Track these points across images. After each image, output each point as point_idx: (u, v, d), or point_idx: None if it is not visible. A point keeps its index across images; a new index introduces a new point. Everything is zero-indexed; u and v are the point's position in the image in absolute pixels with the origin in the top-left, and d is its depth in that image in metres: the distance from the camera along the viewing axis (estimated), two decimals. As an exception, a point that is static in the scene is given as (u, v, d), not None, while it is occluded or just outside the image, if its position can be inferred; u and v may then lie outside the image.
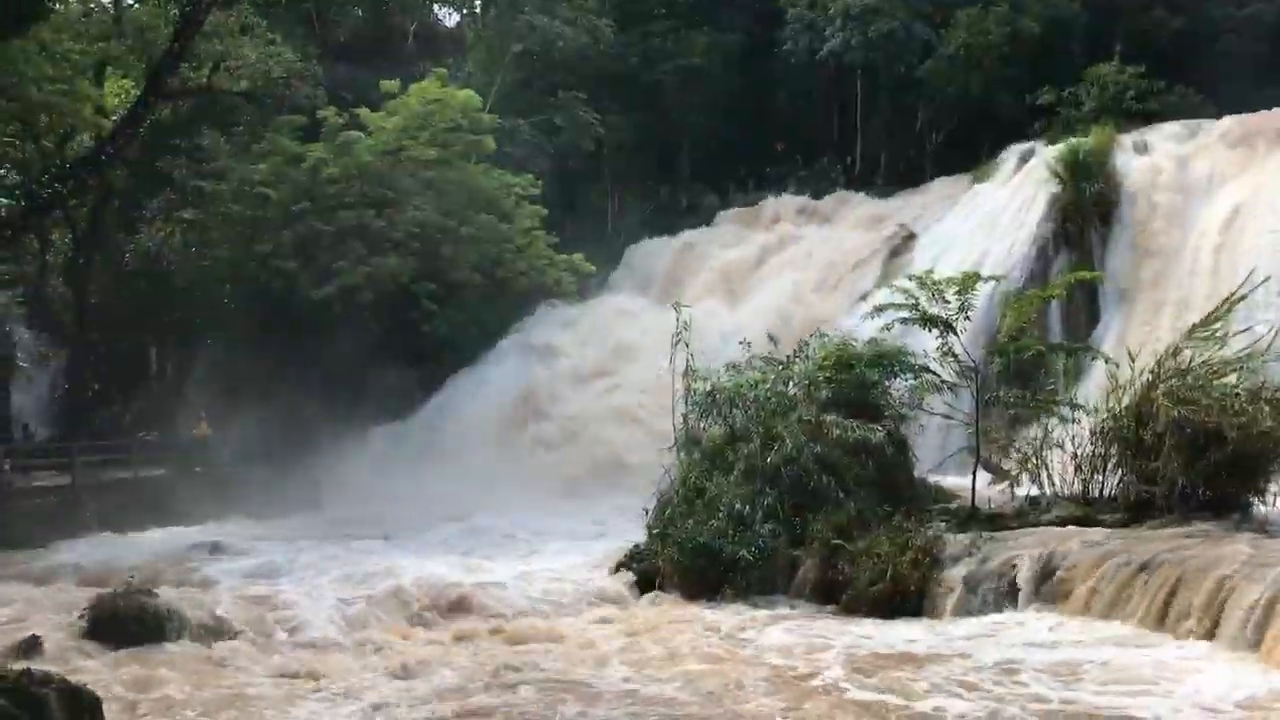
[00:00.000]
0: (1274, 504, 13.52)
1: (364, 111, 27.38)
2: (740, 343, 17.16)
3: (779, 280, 29.06)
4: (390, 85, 27.85)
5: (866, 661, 10.43)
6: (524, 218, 28.56)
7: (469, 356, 27.53)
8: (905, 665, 10.26)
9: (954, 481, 15.85)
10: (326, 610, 13.16)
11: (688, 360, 16.46)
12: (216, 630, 12.17)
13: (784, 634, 11.75)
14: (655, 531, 14.74)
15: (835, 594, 13.16)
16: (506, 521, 20.12)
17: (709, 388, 16.02)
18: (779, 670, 10.29)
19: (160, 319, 30.06)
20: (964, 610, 12.28)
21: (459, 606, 13.34)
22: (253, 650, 11.64)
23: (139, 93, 23.99)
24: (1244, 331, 15.23)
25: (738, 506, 14.12)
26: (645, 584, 14.25)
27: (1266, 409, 13.11)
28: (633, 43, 37.79)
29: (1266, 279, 17.58)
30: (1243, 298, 15.37)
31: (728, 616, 12.51)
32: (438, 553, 17.09)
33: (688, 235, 33.41)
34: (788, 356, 16.35)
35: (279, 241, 26.56)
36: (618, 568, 14.94)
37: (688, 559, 13.79)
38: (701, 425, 16.09)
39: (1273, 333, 15.12)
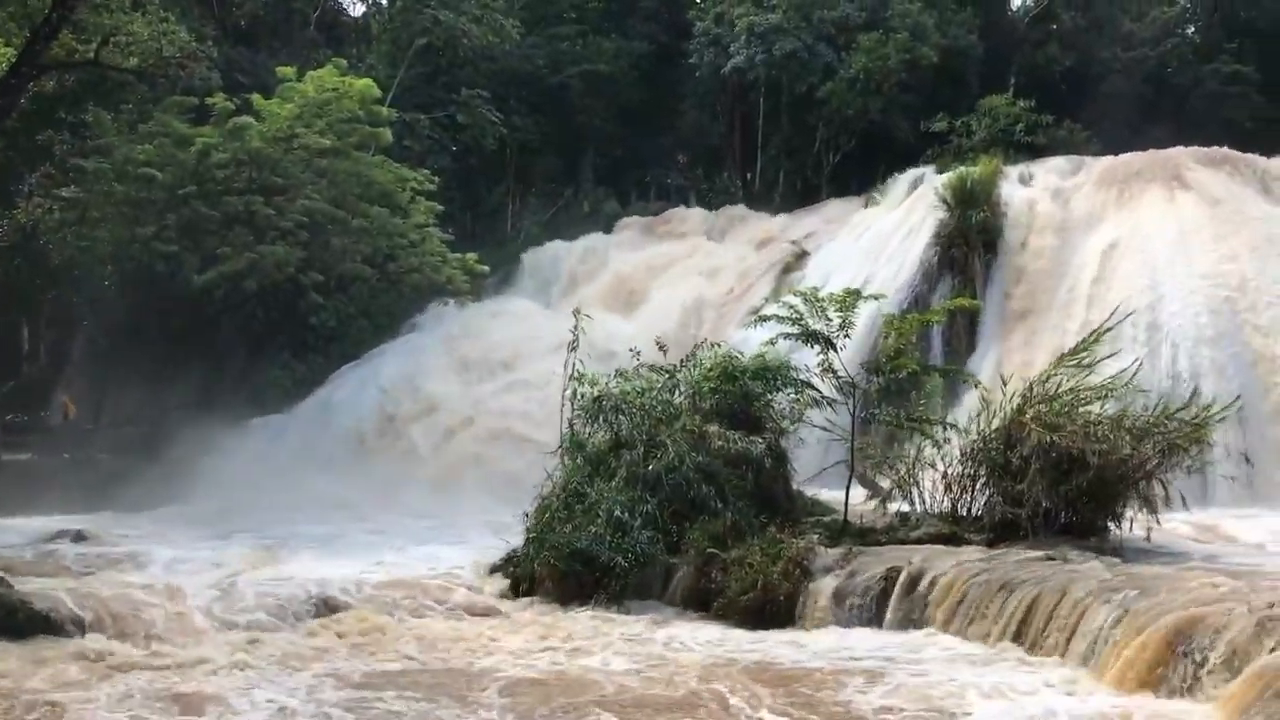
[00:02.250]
0: (1129, 529, 14.05)
1: (257, 97, 26.79)
2: (631, 351, 17.22)
3: (674, 290, 29.30)
4: (287, 71, 27.33)
5: (717, 669, 10.51)
6: (419, 213, 28.27)
7: (356, 351, 27.15)
8: (756, 673, 10.37)
9: (831, 495, 16.11)
10: (193, 606, 12.86)
11: (576, 365, 16.49)
12: (73, 622, 11.76)
13: (647, 638, 11.83)
14: (533, 535, 14.69)
15: (708, 602, 13.32)
16: (384, 521, 19.88)
17: (596, 394, 16.06)
18: (627, 672, 10.38)
19: (35, 298, 28.97)
20: (831, 621, 12.50)
21: (328, 605, 13.12)
22: (111, 644, 11.26)
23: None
24: (1111, 357, 15.80)
25: (617, 513, 14.13)
26: (520, 588, 14.22)
27: (1127, 437, 13.61)
28: (540, 44, 37.80)
29: (1133, 312, 18.32)
30: (1110, 329, 15.97)
31: (596, 621, 12.53)
32: (311, 550, 16.80)
33: (587, 240, 33.50)
34: (675, 365, 16.47)
35: (163, 225, 25.81)
36: (493, 571, 14.89)
37: (564, 563, 13.77)
38: (587, 431, 16.11)
39: (1137, 364, 15.74)
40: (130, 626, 11.93)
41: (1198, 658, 9.60)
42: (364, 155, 27.73)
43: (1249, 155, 26.59)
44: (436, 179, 29.07)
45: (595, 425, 15.90)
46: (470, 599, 13.80)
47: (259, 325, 26.09)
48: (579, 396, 16.09)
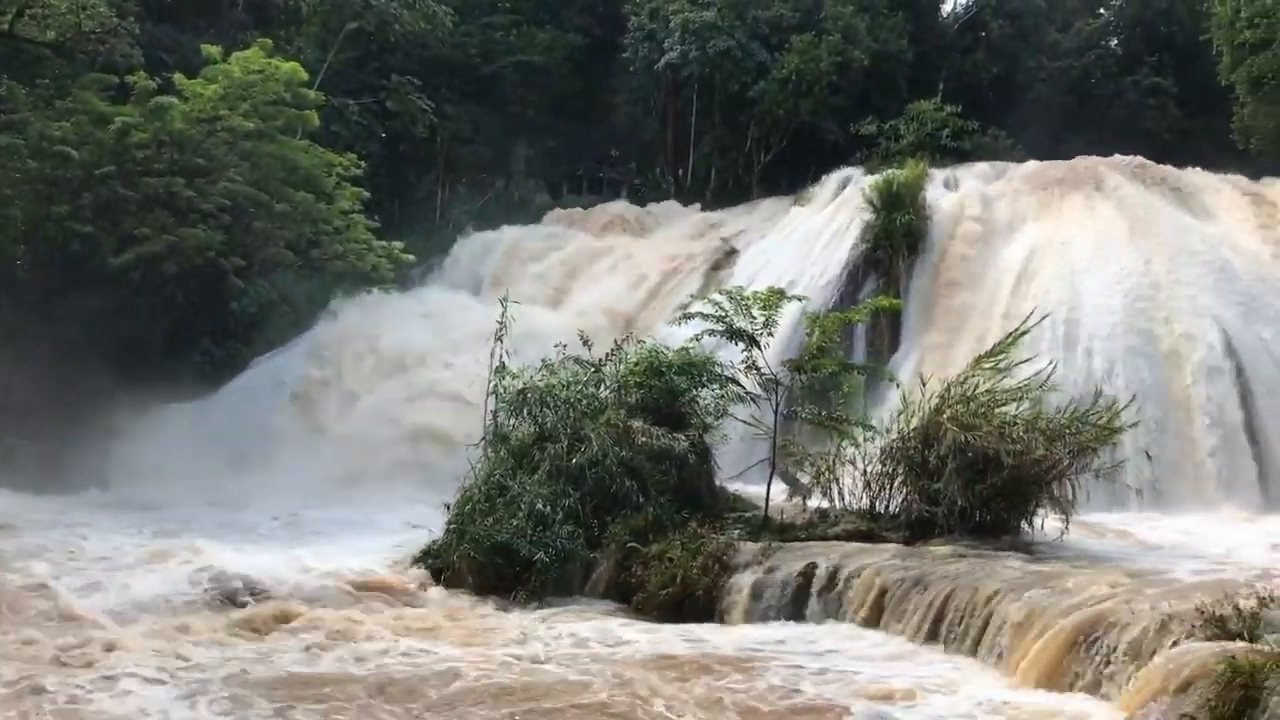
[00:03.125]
0: (1041, 528, 14.37)
1: (180, 77, 26.18)
2: (557, 345, 17.17)
3: (603, 284, 29.29)
4: (212, 51, 26.74)
5: (632, 663, 10.55)
6: (345, 199, 27.85)
7: (278, 338, 26.70)
8: (670, 667, 10.42)
9: (753, 491, 16.20)
10: (99, 595, 12.58)
11: (501, 357, 16.42)
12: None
13: (563, 632, 11.83)
14: (454, 528, 14.62)
15: (628, 596, 13.39)
16: (303, 511, 19.61)
17: (521, 386, 16.00)
18: (538, 665, 10.39)
19: (-59, 275, 27.98)
20: (749, 617, 12.62)
21: (242, 595, 12.93)
22: (8, 636, 10.95)
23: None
24: (1029, 361, 16.12)
25: (539, 506, 14.12)
26: (438, 580, 14.11)
27: (1040, 438, 13.91)
28: (473, 33, 37.50)
29: (1048, 315, 18.74)
30: (1026, 332, 16.29)
31: (513, 614, 12.51)
32: (226, 539, 16.43)
33: (517, 231, 33.29)
34: (600, 360, 16.48)
35: (78, 204, 25.11)
36: (412, 563, 14.75)
37: (484, 556, 13.72)
38: (511, 424, 16.05)
39: (1052, 366, 16.09)
40: (30, 613, 11.63)
41: (1102, 654, 9.86)
42: (289, 139, 27.25)
43: (1164, 166, 27.32)
44: (363, 165, 28.67)
45: (519, 418, 15.86)
46: (388, 591, 13.66)
47: (178, 309, 25.52)
48: (503, 389, 16.03)
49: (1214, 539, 15.77)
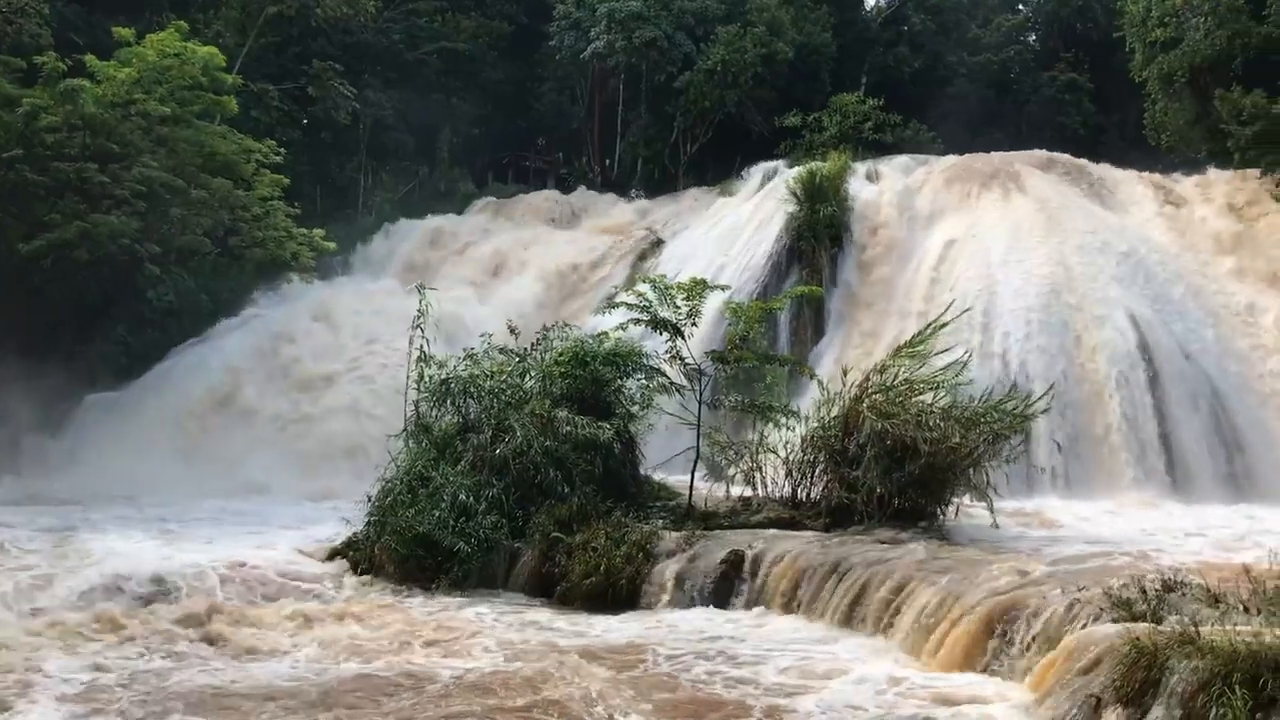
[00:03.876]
0: (956, 515, 14.67)
1: (91, 59, 25.45)
2: (481, 335, 17.08)
3: (528, 273, 29.20)
4: (125, 33, 26.02)
5: (554, 653, 10.56)
6: (264, 186, 27.34)
7: (196, 327, 26.13)
8: (592, 655, 10.45)
9: (678, 480, 16.29)
10: (4, 590, 12.23)
11: (423, 346, 16.27)
12: None
13: (486, 622, 11.80)
14: (374, 519, 14.48)
15: (551, 586, 13.37)
16: (222, 504, 19.24)
17: (444, 376, 15.89)
18: (455, 656, 10.35)
19: None
20: (672, 604, 12.69)
21: (156, 591, 12.65)
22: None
23: None
24: (946, 351, 16.43)
25: (462, 497, 14.05)
26: (359, 572, 13.97)
27: (956, 427, 14.20)
28: (397, 19, 37.08)
29: (968, 309, 19.10)
30: (945, 324, 16.59)
31: (434, 606, 12.44)
32: (140, 532, 16.12)
33: (441, 220, 33.08)
34: (525, 349, 16.43)
35: (-15, 190, 24.32)
36: (332, 555, 14.58)
37: (405, 548, 13.62)
38: (434, 414, 15.93)
39: (968, 356, 16.40)
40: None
41: (1013, 638, 10.11)
42: (207, 124, 26.67)
43: (1079, 160, 27.99)
44: (284, 151, 28.17)
45: (442, 408, 15.75)
46: (307, 583, 13.48)
47: (91, 298, 24.86)
48: (426, 379, 15.90)
49: (1123, 523, 16.27)
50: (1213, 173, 26.71)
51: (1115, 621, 9.27)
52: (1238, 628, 8.29)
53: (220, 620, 11.47)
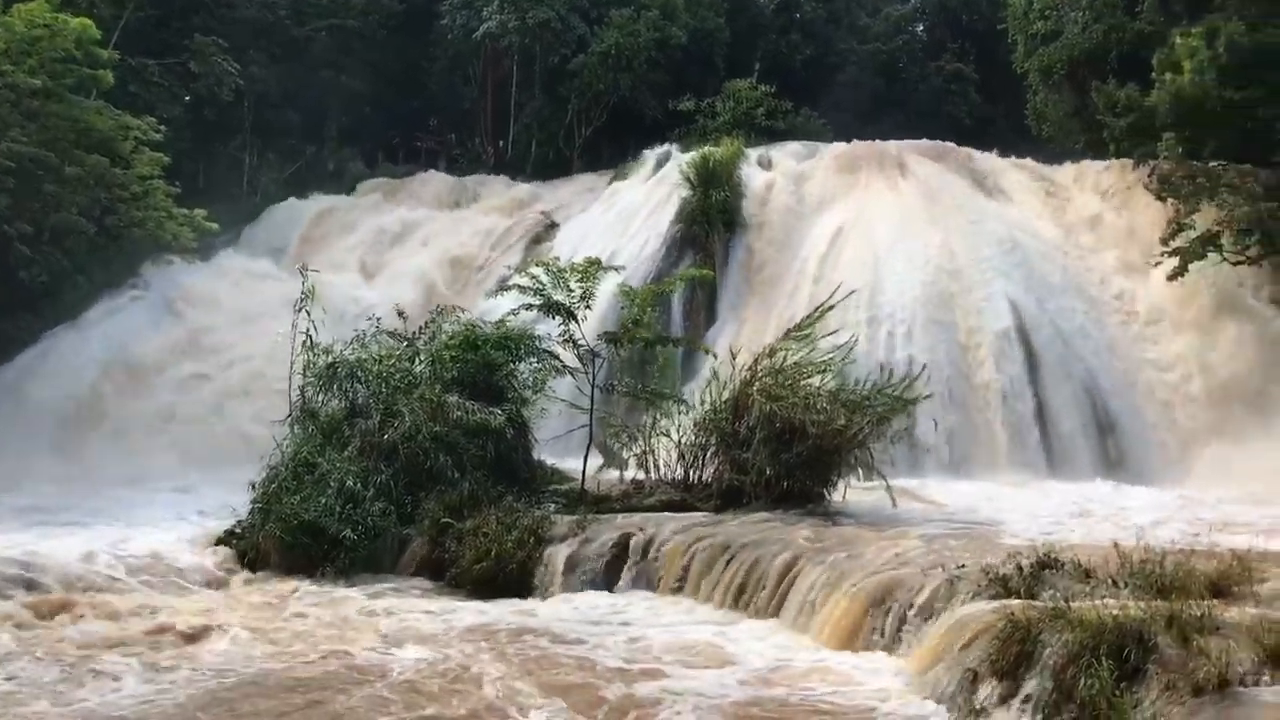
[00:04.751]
0: (843, 496, 14.95)
1: (-46, 30, 24.22)
2: (369, 319, 16.81)
3: (419, 256, 28.78)
4: (-11, 2, 24.83)
5: (439, 637, 10.48)
6: (143, 164, 26.37)
7: (72, 310, 25.11)
8: (479, 639, 10.40)
9: (572, 464, 16.29)
10: None
11: (308, 330, 15.94)
12: None
13: (368, 610, 11.66)
14: (259, 507, 14.17)
15: (441, 572, 13.28)
16: (100, 492, 18.55)
17: (330, 361, 15.60)
18: (337, 647, 10.22)
19: None
20: (564, 588, 12.70)
21: (30, 584, 12.16)
22: None
23: None
24: (834, 333, 16.71)
25: (349, 483, 13.85)
26: (244, 561, 13.66)
27: (842, 409, 14.47)
28: (284, -6, 36.07)
29: (854, 292, 19.47)
30: (832, 307, 16.87)
31: (317, 594, 12.23)
32: (13, 523, 15.49)
33: (328, 200, 32.38)
34: (413, 333, 16.22)
35: None
36: (216, 543, 14.21)
37: (291, 536, 13.37)
38: (320, 399, 15.63)
39: (854, 340, 16.72)
40: None
41: (897, 615, 10.35)
42: (81, 99, 25.59)
43: (963, 149, 28.66)
44: (164, 129, 27.21)
45: (329, 393, 15.47)
46: (190, 573, 13.13)
47: (-43, 279, 23.73)
48: (312, 363, 15.59)
49: (1002, 502, 16.77)
50: (1090, 163, 27.60)
51: (993, 598, 9.57)
52: (1106, 601, 8.62)
53: (89, 614, 11.09)
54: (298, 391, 15.77)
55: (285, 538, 13.37)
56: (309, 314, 16.17)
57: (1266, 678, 7.38)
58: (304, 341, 15.85)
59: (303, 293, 16.64)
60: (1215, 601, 8.55)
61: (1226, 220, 21.63)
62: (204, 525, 15.45)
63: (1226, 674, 7.30)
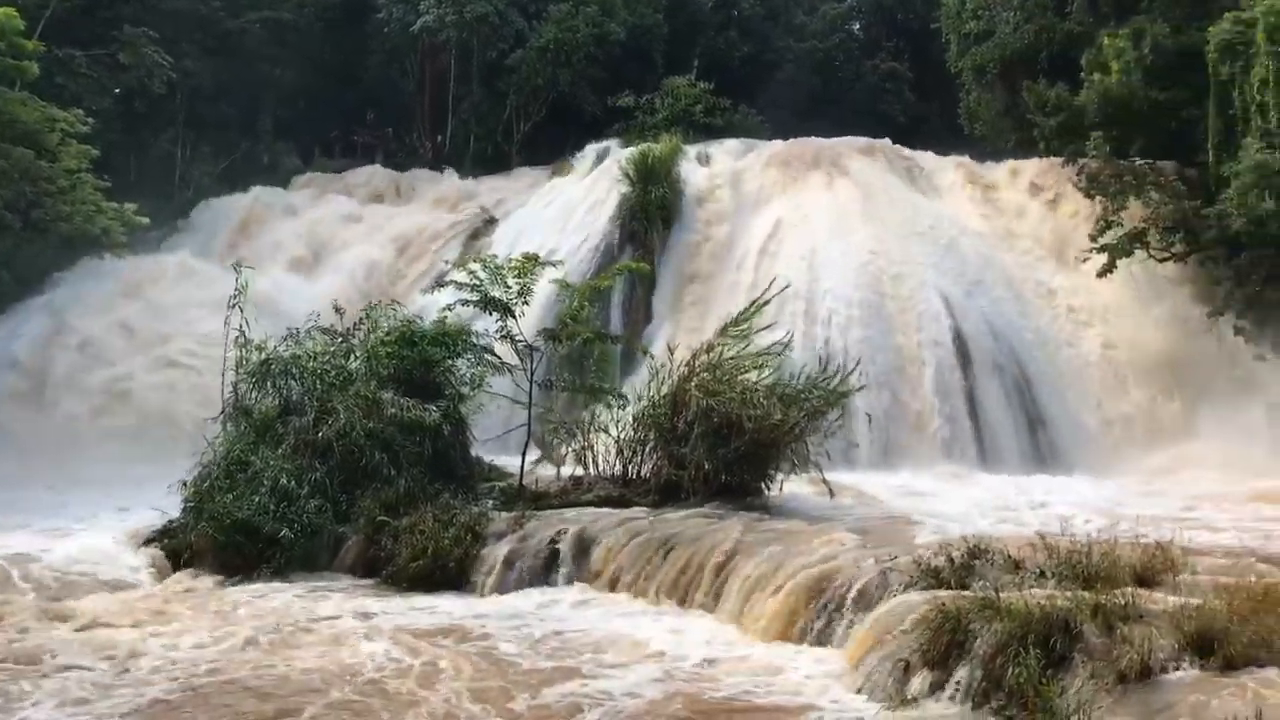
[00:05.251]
0: (780, 490, 15.09)
1: None
2: (309, 315, 16.61)
3: (356, 252, 28.44)
4: (-90, -11, 24.13)
5: (376, 635, 10.40)
6: (70, 157, 25.79)
7: (-3, 306, 24.56)
8: (417, 637, 10.35)
9: (511, 460, 16.25)
10: None
11: (242, 327, 15.73)
12: None
13: (301, 609, 11.55)
14: (191, 506, 13.96)
15: (378, 570, 13.18)
16: (29, 492, 18.15)
17: (264, 357, 15.41)
18: (272, 644, 10.11)
19: None
20: (501, 586, 12.67)
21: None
22: None
23: None
24: (770, 327, 16.85)
25: (283, 481, 13.68)
26: (176, 561, 13.44)
27: (779, 403, 14.59)
28: (216, -15, 35.41)
29: (788, 286, 19.64)
30: (767, 302, 17.00)
31: (250, 594, 12.09)
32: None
33: (264, 195, 31.84)
34: (348, 329, 16.06)
35: None
36: (147, 543, 13.98)
37: (224, 535, 13.18)
38: (254, 396, 15.43)
39: (789, 336, 16.88)
40: None
41: (831, 607, 10.48)
42: (5, 90, 24.98)
43: (899, 147, 28.98)
44: (92, 121, 26.62)
45: (262, 390, 15.28)
46: (119, 574, 12.91)
47: (-124, 274, 23.06)
48: (245, 360, 15.39)
49: (935, 494, 17.04)
50: (1021, 161, 28.08)
51: (924, 589, 9.74)
52: (1034, 592, 8.82)
53: (24, 613, 10.85)
54: (230, 389, 15.55)
55: (218, 537, 13.18)
56: (242, 310, 15.94)
57: (1186, 663, 7.61)
58: (237, 338, 15.63)
59: (236, 288, 16.40)
60: (1139, 591, 8.80)
61: (1152, 218, 22.17)
62: (133, 525, 15.10)
63: (1148, 661, 7.53)
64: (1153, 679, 7.42)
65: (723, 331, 16.19)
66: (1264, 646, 7.54)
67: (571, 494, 15.31)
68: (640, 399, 16.00)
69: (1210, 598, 8.36)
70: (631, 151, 27.04)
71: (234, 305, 16.05)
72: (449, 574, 12.76)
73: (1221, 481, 18.14)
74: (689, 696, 8.70)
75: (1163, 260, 22.47)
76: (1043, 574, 9.54)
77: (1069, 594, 8.51)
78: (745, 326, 16.03)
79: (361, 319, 16.09)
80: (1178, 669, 7.54)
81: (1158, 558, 9.58)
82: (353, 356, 15.76)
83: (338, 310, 16.87)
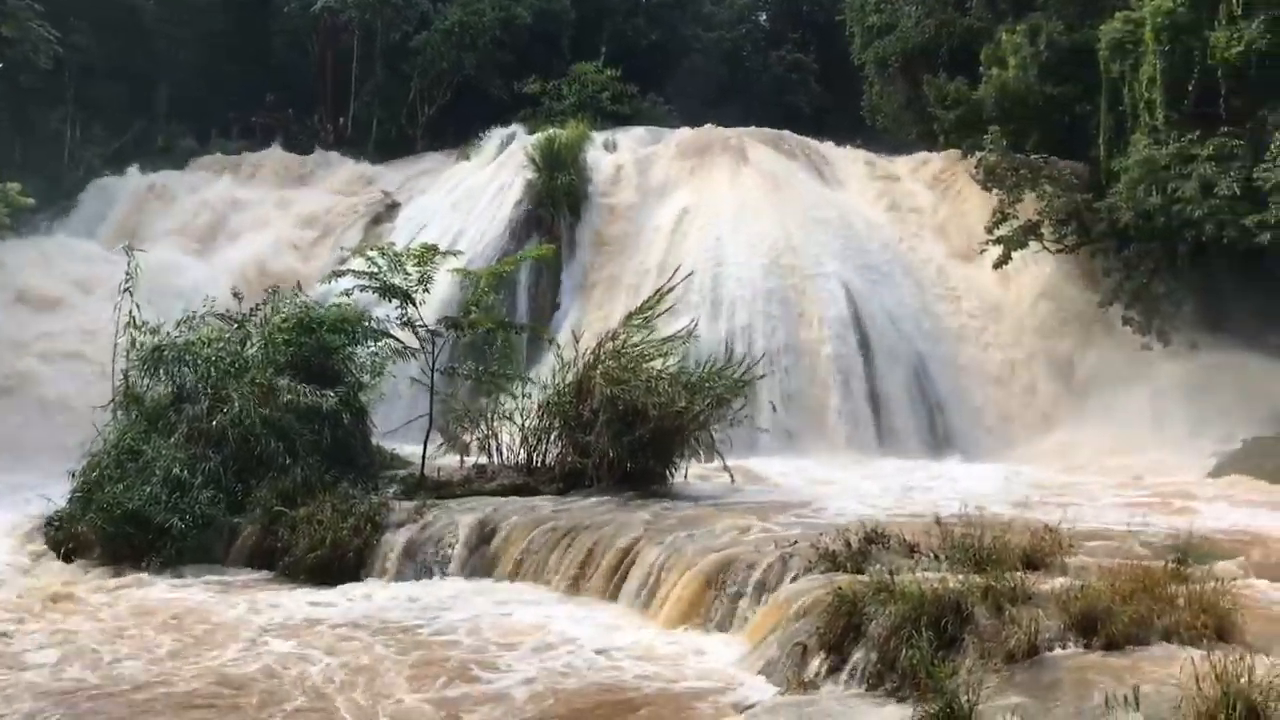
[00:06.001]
0: (685, 477, 15.17)
1: None
2: (205, 299, 16.19)
3: (255, 236, 27.76)
4: None
5: (270, 628, 10.20)
6: (-51, 135, 24.76)
7: None
8: (311, 628, 10.17)
9: (413, 449, 16.06)
10: None
11: (132, 312, 15.26)
12: None
13: (189, 601, 11.27)
14: (79, 496, 13.51)
15: (274, 561, 12.91)
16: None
17: (156, 343, 14.97)
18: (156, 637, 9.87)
19: None
20: (402, 574, 12.51)
21: None
22: None
23: None
24: (674, 316, 16.91)
25: (176, 471, 13.34)
26: (62, 553, 13.02)
27: (683, 391, 14.67)
28: (108, -40, 34.18)
29: (691, 274, 19.73)
30: (671, 289, 17.04)
31: (136, 586, 11.77)
32: None
33: (158, 177, 30.90)
34: (244, 315, 15.69)
35: None
36: (32, 535, 13.52)
37: (114, 526, 12.81)
38: (145, 384, 14.99)
39: (694, 324, 16.97)
40: None
41: (733, 592, 10.58)
42: (-121, 63, 23.89)
43: (803, 137, 29.30)
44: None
45: (155, 378, 14.85)
46: (6, 563, 12.44)
47: None
48: (137, 346, 14.94)
49: (836, 480, 17.28)
50: (922, 153, 28.60)
51: (823, 574, 9.88)
52: (927, 575, 8.99)
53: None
54: (121, 376, 15.08)
55: (107, 528, 12.81)
56: (133, 295, 15.46)
57: (1071, 642, 7.84)
58: (128, 323, 15.16)
59: (127, 272, 15.88)
60: (1028, 573, 9.03)
61: (1046, 211, 22.74)
62: (16, 516, 14.57)
63: (1035, 641, 7.73)
64: (1039, 658, 7.62)
65: (628, 319, 16.20)
66: (1144, 625, 7.80)
67: (475, 483, 15.20)
68: (546, 387, 15.94)
69: (1094, 579, 8.61)
70: (538, 137, 26.86)
71: (125, 290, 15.54)
72: (348, 565, 12.56)
73: (1109, 465, 18.75)
74: (588, 684, 8.69)
75: (1055, 252, 23.09)
76: (936, 558, 9.75)
77: (961, 577, 8.70)
78: (650, 314, 16.04)
79: (258, 305, 15.71)
80: (1063, 648, 7.76)
81: (1046, 541, 9.85)
82: (249, 343, 15.41)
83: (236, 295, 16.49)
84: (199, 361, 14.75)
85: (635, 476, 14.83)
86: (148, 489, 13.04)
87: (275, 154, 33.23)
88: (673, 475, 15.06)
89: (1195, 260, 20.98)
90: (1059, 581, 8.82)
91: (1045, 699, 7.08)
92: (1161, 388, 20.93)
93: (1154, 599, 8.04)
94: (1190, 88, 21.03)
